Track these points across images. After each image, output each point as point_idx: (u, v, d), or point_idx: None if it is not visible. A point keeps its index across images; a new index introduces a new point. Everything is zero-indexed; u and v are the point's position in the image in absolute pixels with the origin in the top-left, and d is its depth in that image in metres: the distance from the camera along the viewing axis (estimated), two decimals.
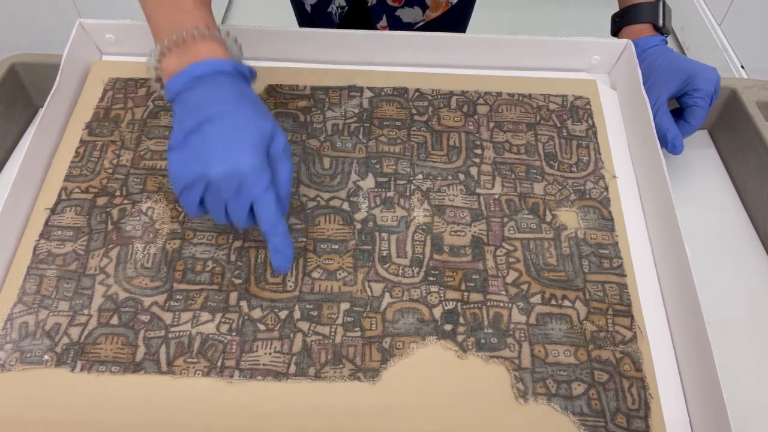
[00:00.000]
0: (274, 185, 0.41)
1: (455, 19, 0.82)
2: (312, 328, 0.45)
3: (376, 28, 0.79)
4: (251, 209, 0.41)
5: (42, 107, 0.55)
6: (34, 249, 0.48)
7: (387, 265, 0.48)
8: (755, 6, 1.52)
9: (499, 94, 0.59)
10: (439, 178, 0.53)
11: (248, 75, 0.45)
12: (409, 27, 0.79)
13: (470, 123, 0.57)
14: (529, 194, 0.53)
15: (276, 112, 0.57)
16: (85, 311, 0.45)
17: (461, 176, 0.54)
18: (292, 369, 0.43)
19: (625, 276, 0.48)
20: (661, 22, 0.61)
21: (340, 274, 0.48)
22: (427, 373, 0.44)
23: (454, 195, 0.52)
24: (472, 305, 0.47)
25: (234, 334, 0.45)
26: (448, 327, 0.46)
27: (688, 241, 0.46)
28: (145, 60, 0.46)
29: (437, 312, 0.46)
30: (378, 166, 0.54)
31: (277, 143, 0.42)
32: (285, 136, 0.43)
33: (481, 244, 0.50)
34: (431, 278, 0.48)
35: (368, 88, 0.59)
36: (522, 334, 0.45)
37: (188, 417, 0.42)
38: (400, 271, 0.48)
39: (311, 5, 0.80)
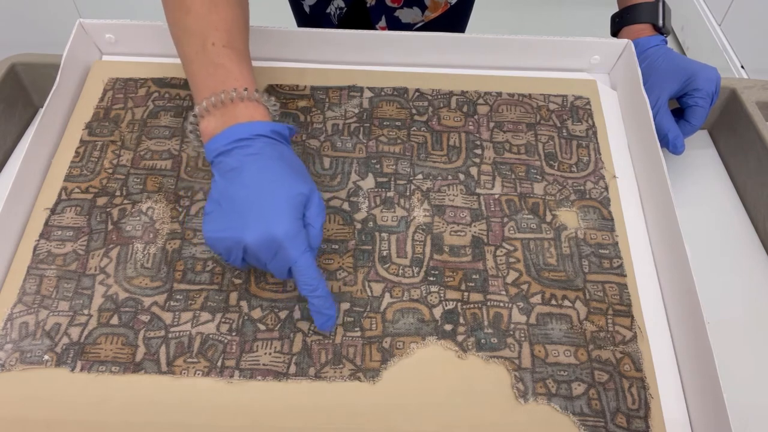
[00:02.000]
0: (309, 246, 0.41)
1: (455, 19, 0.82)
2: (312, 328, 0.45)
3: (375, 29, 0.79)
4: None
5: (42, 107, 0.55)
6: (34, 249, 0.48)
7: (387, 265, 0.48)
8: (755, 6, 1.52)
9: (499, 94, 0.59)
10: (439, 178, 0.53)
11: (287, 135, 0.45)
12: (408, 27, 0.79)
13: (470, 123, 0.57)
14: (529, 194, 0.53)
15: None
16: (85, 311, 0.45)
17: (461, 176, 0.54)
18: (292, 369, 0.43)
19: (625, 276, 0.48)
20: (660, 22, 0.61)
21: (340, 274, 0.48)
22: (427, 373, 0.44)
23: (454, 195, 0.52)
24: (472, 305, 0.47)
25: (234, 334, 0.45)
26: (448, 327, 0.46)
27: (688, 241, 0.46)
28: (187, 123, 0.46)
29: (437, 312, 0.46)
30: (378, 166, 0.54)
31: (312, 204, 0.42)
32: (320, 197, 0.43)
33: (481, 244, 0.50)
34: (431, 278, 0.48)
35: (368, 88, 0.59)
36: (522, 334, 0.45)
37: (188, 417, 0.42)
38: (400, 271, 0.48)
39: (310, 6, 0.80)
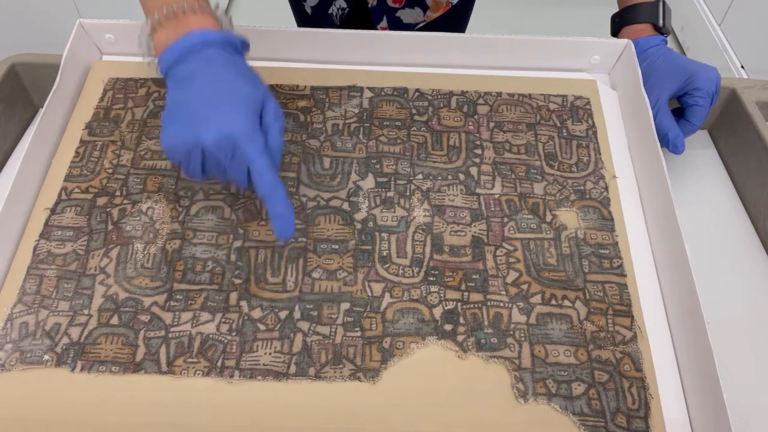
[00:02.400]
0: (268, 150, 0.42)
1: (456, 19, 0.82)
2: (312, 328, 0.45)
3: (376, 30, 0.79)
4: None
5: (42, 107, 0.55)
6: (34, 249, 0.48)
7: (387, 265, 0.48)
8: (755, 6, 1.52)
9: (499, 94, 0.59)
10: (439, 178, 0.53)
11: (239, 46, 0.46)
12: (409, 28, 0.79)
13: (470, 123, 0.57)
14: (529, 194, 0.53)
15: None
16: (85, 311, 0.45)
17: (461, 176, 0.54)
18: (292, 369, 0.43)
19: (625, 276, 0.48)
20: (661, 22, 0.61)
21: (340, 274, 0.48)
22: (427, 373, 0.44)
23: (454, 195, 0.52)
24: (472, 305, 0.47)
25: (234, 334, 0.45)
26: (448, 327, 0.46)
27: (688, 241, 0.46)
28: (137, 35, 0.46)
29: (437, 312, 0.46)
30: (378, 166, 0.54)
31: (268, 109, 0.43)
32: (276, 102, 0.44)
33: (481, 244, 0.50)
34: (431, 278, 0.48)
35: (368, 88, 0.59)
36: (522, 334, 0.45)
37: (188, 417, 0.42)
38: (400, 271, 0.48)
39: (312, 7, 0.80)
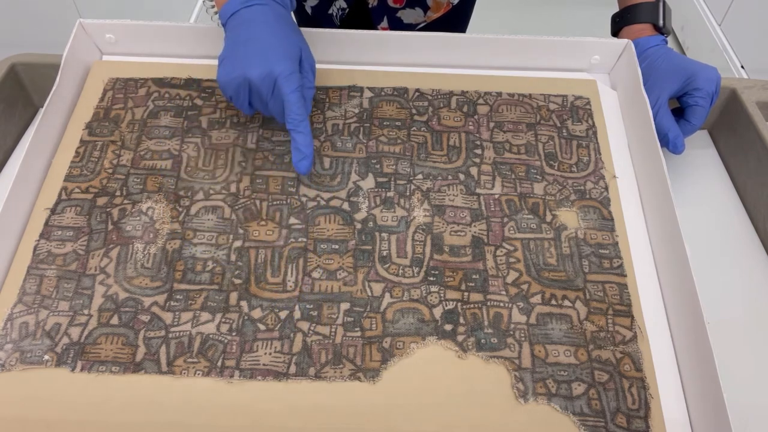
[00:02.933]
0: (302, 89, 0.49)
1: (456, 20, 0.82)
2: (312, 328, 0.45)
3: (377, 30, 0.79)
4: None
5: (42, 107, 0.55)
6: (34, 249, 0.48)
7: (387, 265, 0.48)
8: (755, 6, 1.52)
9: (499, 94, 0.59)
10: (439, 178, 0.53)
11: (288, 5, 0.53)
12: (410, 28, 0.79)
13: (470, 123, 0.57)
14: (529, 194, 0.53)
15: None
16: (85, 311, 0.45)
17: (461, 176, 0.54)
18: (292, 369, 0.43)
19: (625, 276, 0.48)
20: (661, 22, 0.61)
21: (340, 274, 0.48)
22: (427, 373, 0.44)
23: (454, 195, 0.52)
24: (472, 305, 0.47)
25: (234, 334, 0.45)
26: (448, 327, 0.46)
27: (688, 241, 0.46)
28: None
29: (437, 312, 0.46)
30: (378, 166, 0.54)
31: (306, 58, 0.51)
32: (311, 55, 0.52)
33: (481, 244, 0.50)
34: (431, 278, 0.48)
35: (368, 88, 0.59)
36: (522, 334, 0.45)
37: (188, 417, 0.42)
38: (401, 271, 0.48)
39: (312, 7, 0.80)
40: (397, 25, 0.78)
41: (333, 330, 0.45)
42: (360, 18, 0.79)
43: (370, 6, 0.77)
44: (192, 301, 0.46)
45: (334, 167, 0.54)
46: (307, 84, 0.51)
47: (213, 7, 0.56)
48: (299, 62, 0.50)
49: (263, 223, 0.50)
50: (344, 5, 0.77)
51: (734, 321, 0.52)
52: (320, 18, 0.80)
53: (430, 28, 0.79)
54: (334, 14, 0.79)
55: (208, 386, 0.43)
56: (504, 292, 0.47)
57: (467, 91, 0.59)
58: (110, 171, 0.53)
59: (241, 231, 0.50)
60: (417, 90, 0.59)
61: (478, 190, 0.53)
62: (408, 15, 0.78)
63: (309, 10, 0.81)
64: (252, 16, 0.50)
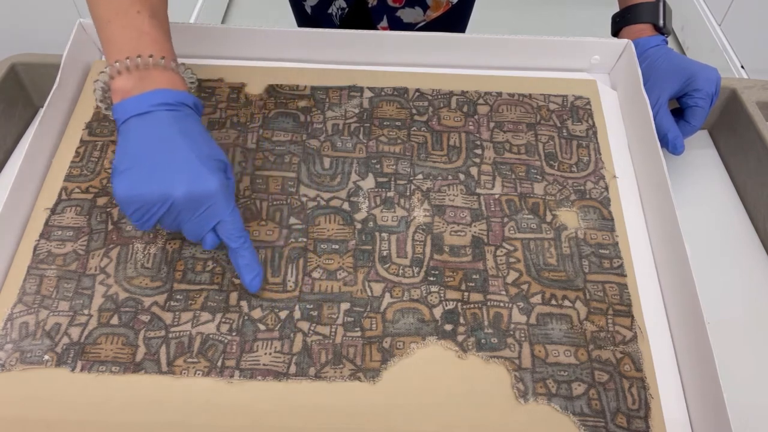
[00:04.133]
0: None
1: (456, 19, 0.82)
2: (312, 328, 0.45)
3: (376, 29, 0.79)
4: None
5: (42, 107, 0.55)
6: (34, 249, 0.48)
7: (387, 265, 0.48)
8: (755, 6, 1.52)
9: (499, 94, 0.59)
10: (440, 178, 0.53)
11: (201, 109, 0.46)
12: (410, 27, 0.79)
13: (470, 123, 0.57)
14: (529, 194, 0.53)
15: (276, 112, 0.57)
16: (86, 311, 0.45)
17: (461, 176, 0.54)
18: (292, 369, 0.43)
19: (625, 276, 0.48)
20: (661, 22, 0.61)
21: (340, 274, 0.48)
22: (427, 373, 0.44)
23: (454, 195, 0.52)
24: (472, 305, 0.47)
25: (234, 334, 0.45)
26: (448, 327, 0.46)
27: (688, 241, 0.46)
28: (97, 78, 0.47)
29: (437, 312, 0.46)
30: (378, 166, 0.54)
31: (229, 172, 0.44)
32: (230, 165, 0.45)
33: (482, 244, 0.50)
34: (431, 278, 0.48)
35: (368, 88, 0.59)
36: (522, 334, 0.45)
37: (188, 417, 0.42)
38: (401, 271, 0.48)
39: (311, 6, 0.80)
40: (396, 24, 0.78)
41: (333, 330, 0.45)
42: (359, 17, 0.79)
43: (369, 5, 0.77)
44: (192, 301, 0.46)
45: (334, 167, 0.54)
46: (231, 185, 0.44)
47: (106, 92, 0.47)
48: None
49: (263, 223, 0.50)
50: (344, 5, 0.77)
51: (734, 321, 0.52)
52: (320, 17, 0.80)
53: (429, 27, 0.79)
54: (334, 14, 0.79)
55: (208, 386, 0.43)
56: (504, 292, 0.47)
57: (467, 91, 0.59)
58: (110, 171, 0.53)
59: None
60: (417, 90, 0.59)
61: (478, 190, 0.53)
62: (407, 14, 0.78)
63: (309, 10, 0.81)
64: (170, 121, 0.42)
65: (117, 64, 0.43)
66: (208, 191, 0.41)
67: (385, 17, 0.78)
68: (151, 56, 0.43)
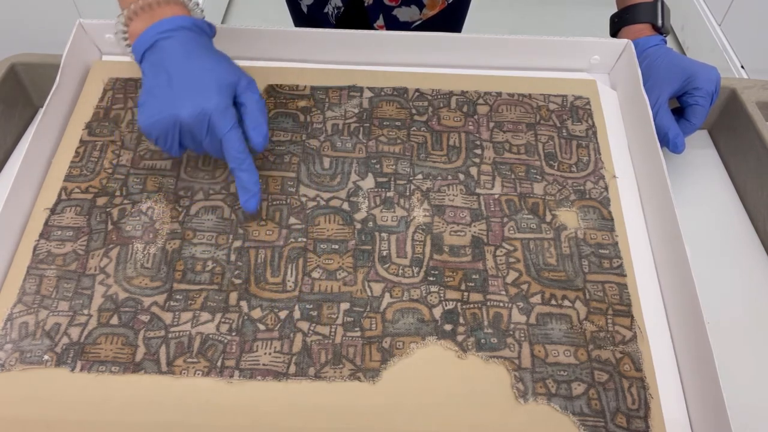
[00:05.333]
0: (241, 123, 0.46)
1: (452, 17, 0.82)
2: (312, 328, 0.45)
3: (373, 28, 0.79)
4: None
5: (42, 107, 0.55)
6: (34, 249, 0.48)
7: (387, 265, 0.48)
8: (755, 6, 1.52)
9: (499, 94, 0.59)
10: (439, 178, 0.53)
11: (209, 31, 0.49)
12: (406, 26, 0.79)
13: (470, 123, 0.57)
14: (529, 194, 0.53)
15: (276, 112, 0.57)
16: (85, 311, 0.45)
17: (461, 176, 0.54)
18: (292, 369, 0.43)
19: (625, 276, 0.48)
20: (660, 22, 0.61)
21: (340, 274, 0.48)
22: (427, 373, 0.44)
23: (454, 195, 0.52)
24: (472, 305, 0.47)
25: (234, 334, 0.45)
26: (448, 327, 0.46)
27: (688, 241, 0.46)
28: (113, 27, 0.50)
29: (437, 312, 0.46)
30: (378, 166, 0.54)
31: (242, 85, 0.46)
32: (250, 78, 0.47)
33: (481, 244, 0.50)
34: (431, 278, 0.48)
35: (368, 88, 0.59)
36: (522, 334, 0.45)
37: (188, 417, 0.42)
38: (400, 271, 0.48)
39: (307, 6, 0.80)
40: (392, 22, 0.78)
41: (333, 330, 0.45)
42: (356, 16, 0.79)
43: (366, 4, 0.77)
44: (192, 301, 0.46)
45: (333, 167, 0.54)
46: (251, 106, 0.46)
47: (126, 39, 0.49)
48: (235, 90, 0.46)
49: (263, 223, 0.50)
50: (339, 4, 0.77)
51: (734, 321, 0.52)
52: (316, 17, 0.80)
53: (425, 25, 0.79)
54: (330, 13, 0.79)
55: (208, 386, 0.43)
56: (504, 292, 0.47)
57: (467, 91, 0.59)
58: (110, 171, 0.53)
59: (240, 231, 0.50)
60: (417, 90, 0.59)
61: (477, 190, 0.53)
62: (404, 13, 0.78)
63: (305, 9, 0.81)
64: (172, 48, 0.45)
65: (131, 6, 0.46)
66: (204, 109, 0.43)
67: (381, 16, 0.78)
68: None
